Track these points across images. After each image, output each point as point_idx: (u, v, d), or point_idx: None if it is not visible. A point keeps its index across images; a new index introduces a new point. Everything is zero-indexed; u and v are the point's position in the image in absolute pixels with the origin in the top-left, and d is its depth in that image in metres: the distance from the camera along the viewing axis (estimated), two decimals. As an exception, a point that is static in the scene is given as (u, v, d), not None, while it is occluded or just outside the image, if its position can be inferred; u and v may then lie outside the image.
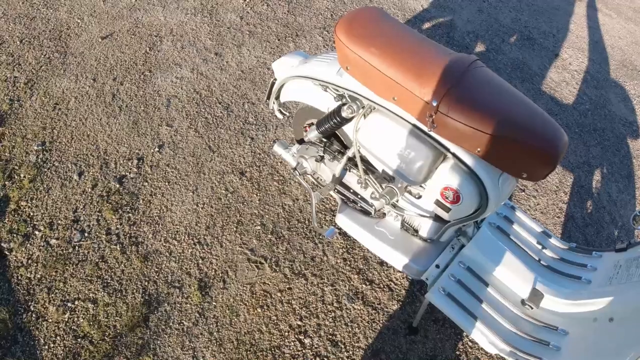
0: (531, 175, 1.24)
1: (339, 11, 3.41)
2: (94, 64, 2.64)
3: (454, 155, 1.30)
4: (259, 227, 2.03)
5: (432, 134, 1.30)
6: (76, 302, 1.73)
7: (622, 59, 3.92)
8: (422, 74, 1.24)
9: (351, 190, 1.74)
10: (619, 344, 1.28)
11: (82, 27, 2.86)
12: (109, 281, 1.79)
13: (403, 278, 1.96)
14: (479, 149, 1.22)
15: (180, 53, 2.79)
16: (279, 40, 3.03)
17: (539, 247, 1.72)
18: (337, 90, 1.51)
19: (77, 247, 1.87)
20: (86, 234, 1.92)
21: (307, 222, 2.07)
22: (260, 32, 3.06)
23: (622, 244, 1.60)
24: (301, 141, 1.92)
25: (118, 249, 1.89)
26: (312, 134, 1.67)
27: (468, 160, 1.29)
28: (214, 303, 1.78)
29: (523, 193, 2.43)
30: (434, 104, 1.20)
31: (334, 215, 2.12)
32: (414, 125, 1.34)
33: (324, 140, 1.77)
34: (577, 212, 2.44)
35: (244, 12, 3.20)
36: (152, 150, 2.26)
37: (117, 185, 2.09)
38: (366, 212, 1.73)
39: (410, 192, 1.60)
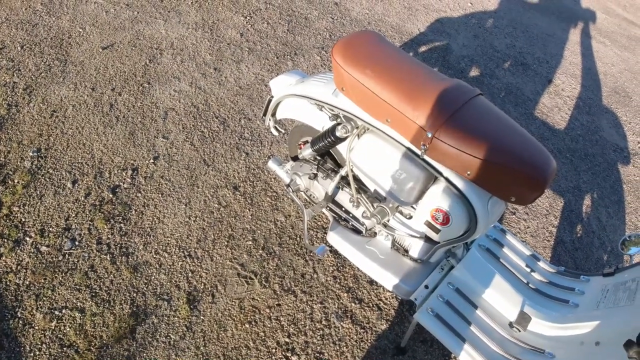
0: (520, 199, 1.27)
1: (337, 32, 3.47)
2: (93, 73, 2.66)
3: (444, 177, 1.33)
4: (250, 242, 2.03)
5: (424, 156, 1.33)
6: (64, 311, 1.71)
7: (615, 85, 4.00)
8: (416, 99, 1.27)
9: (343, 209, 1.76)
10: (605, 368, 1.29)
11: (83, 36, 2.89)
12: (97, 291, 1.78)
13: (392, 298, 1.96)
14: (469, 172, 1.24)
15: (180, 67, 2.82)
16: (277, 58, 3.07)
17: (528, 270, 1.74)
18: (333, 110, 1.54)
19: (67, 255, 1.87)
20: (77, 243, 1.91)
21: (298, 238, 2.08)
22: (260, 50, 3.10)
23: (610, 269, 1.62)
24: (295, 158, 1.94)
25: (108, 259, 1.88)
26: (307, 152, 1.69)
27: (458, 183, 1.31)
28: (202, 317, 1.77)
29: (514, 216, 2.46)
30: (429, 135, 1.23)
31: (326, 233, 2.12)
32: (407, 147, 1.36)
33: (318, 158, 1.80)
34: (567, 236, 2.47)
35: (244, 29, 3.25)
36: (147, 162, 2.26)
37: (110, 195, 2.09)
38: (357, 231, 1.74)
39: (401, 212, 1.61)
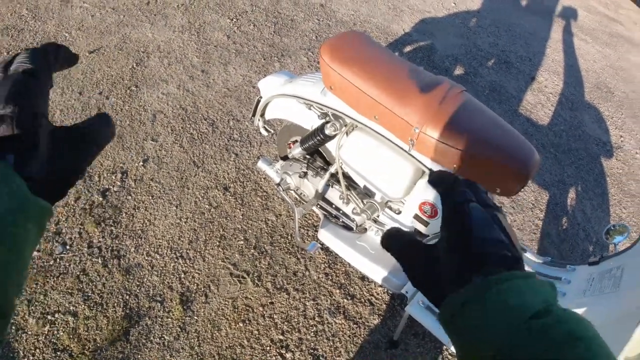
0: (505, 191, 1.30)
1: (323, 33, 3.50)
2: (80, 77, 2.65)
3: (431, 171, 1.35)
4: (242, 242, 2.05)
5: (412, 151, 1.36)
6: (56, 315, 1.71)
7: (597, 81, 4.09)
8: (403, 95, 1.30)
9: (333, 206, 1.78)
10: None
11: (69, 40, 2.88)
12: (89, 294, 1.78)
13: (384, 292, 1.99)
14: (455, 166, 1.28)
15: (167, 69, 2.83)
16: (264, 59, 3.09)
17: (515, 261, 1.78)
18: (321, 109, 1.56)
19: (58, 260, 1.86)
20: (68, 247, 1.91)
21: (289, 237, 2.10)
22: (247, 51, 3.12)
23: (595, 258, 1.65)
24: (285, 158, 1.96)
25: (99, 262, 1.88)
26: (296, 151, 1.71)
27: (445, 176, 1.34)
28: (195, 317, 1.78)
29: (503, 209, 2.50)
30: (416, 130, 1.26)
31: (317, 231, 2.15)
32: (394, 143, 1.39)
33: (308, 156, 1.82)
34: (553, 229, 2.52)
35: (231, 31, 3.26)
36: (136, 165, 2.27)
37: (101, 199, 2.09)
38: (348, 227, 1.77)
39: (390, 208, 1.64)
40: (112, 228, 2.01)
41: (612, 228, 1.64)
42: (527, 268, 1.71)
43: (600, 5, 5.99)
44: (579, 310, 1.50)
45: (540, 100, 3.52)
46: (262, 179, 2.32)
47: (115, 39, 2.98)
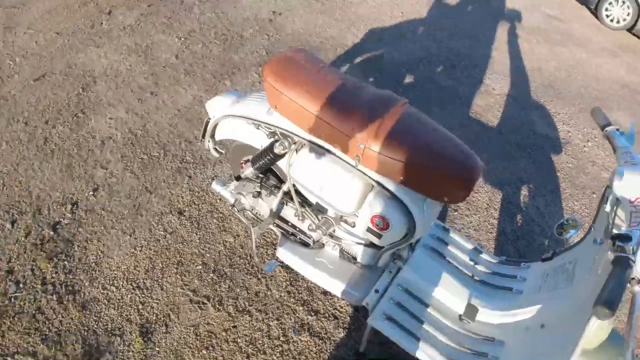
0: (451, 199, 1.33)
1: (273, 48, 3.51)
2: (26, 106, 2.56)
3: (380, 184, 1.37)
4: (200, 267, 2.01)
5: (359, 166, 1.37)
6: (16, 357, 1.64)
7: (544, 80, 4.26)
8: (346, 112, 1.31)
9: (289, 224, 1.77)
10: (551, 349, 1.35)
11: (14, 69, 2.78)
12: (47, 333, 1.71)
13: (347, 305, 1.99)
14: (401, 178, 1.30)
15: (115, 93, 2.76)
16: (214, 78, 3.07)
17: (472, 263, 1.81)
18: (269, 128, 1.56)
19: (12, 299, 1.79)
20: (21, 285, 1.83)
21: (249, 257, 2.08)
22: (197, 71, 3.08)
23: (548, 254, 1.70)
24: (239, 177, 1.94)
25: (55, 299, 1.82)
26: (248, 171, 1.70)
27: (393, 188, 1.36)
28: (157, 348, 1.73)
29: (456, 212, 2.56)
30: (361, 146, 1.28)
31: (276, 249, 2.13)
32: (342, 159, 1.40)
33: (261, 175, 1.81)
34: (508, 227, 2.60)
35: (179, 50, 3.22)
36: (86, 194, 2.20)
37: (51, 233, 2.02)
38: (305, 244, 1.76)
39: (346, 221, 1.65)
40: (65, 262, 1.94)
41: (566, 222, 1.67)
42: (483, 269, 1.75)
43: (545, 6, 6.26)
44: (536, 307, 1.54)
45: (490, 103, 3.63)
46: (218, 200, 2.29)
47: (61, 64, 2.90)
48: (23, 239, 1.98)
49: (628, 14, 6.19)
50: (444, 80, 3.75)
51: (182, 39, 3.34)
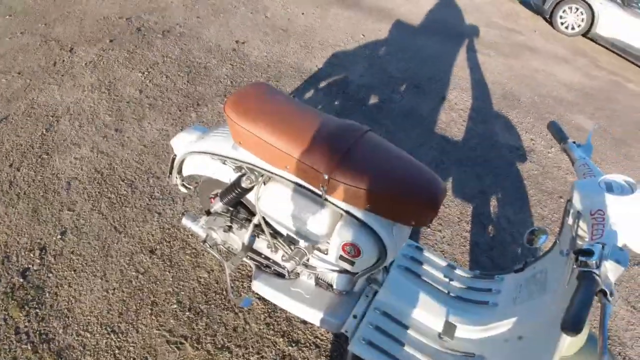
0: (418, 222, 1.36)
1: (237, 77, 3.53)
2: (-12, 151, 2.50)
3: (348, 213, 1.39)
4: (175, 306, 1.97)
5: (325, 196, 1.38)
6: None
7: (503, 92, 4.41)
8: (309, 144, 1.33)
9: (263, 256, 1.77)
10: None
11: (-27, 112, 2.71)
12: (21, 387, 1.64)
13: (328, 333, 1.98)
14: (368, 206, 1.32)
15: (79, 132, 2.72)
16: (180, 110, 3.06)
17: (447, 280, 1.83)
18: (235, 163, 1.56)
19: (-16, 353, 1.71)
20: (-6, 336, 1.76)
21: (224, 292, 2.05)
22: (161, 104, 3.07)
23: (520, 265, 1.73)
24: (209, 212, 1.93)
25: (29, 348, 1.75)
26: (217, 205, 1.69)
27: (361, 216, 1.38)
28: (134, 395, 1.68)
29: (429, 229, 2.60)
30: (325, 177, 1.29)
31: (251, 282, 2.12)
32: (309, 190, 1.41)
33: (230, 209, 1.80)
34: (480, 238, 2.65)
35: (143, 85, 3.21)
36: (54, 238, 2.14)
37: (21, 280, 1.96)
38: (280, 275, 1.75)
39: (319, 249, 1.65)
40: (37, 310, 1.88)
41: (537, 229, 1.69)
42: (458, 285, 1.77)
43: (500, 19, 6.51)
44: (512, 319, 1.56)
45: (453, 118, 3.73)
46: (189, 236, 2.26)
47: (23, 105, 2.84)
48: (-7, 288, 1.92)
49: (582, 20, 6.49)
50: (407, 99, 3.83)
51: (145, 72, 3.32)
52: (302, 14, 4.96)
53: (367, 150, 1.34)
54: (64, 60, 3.33)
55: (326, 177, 1.30)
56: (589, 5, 6.36)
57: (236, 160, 1.53)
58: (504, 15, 6.70)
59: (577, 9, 6.50)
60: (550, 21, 6.89)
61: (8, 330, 1.80)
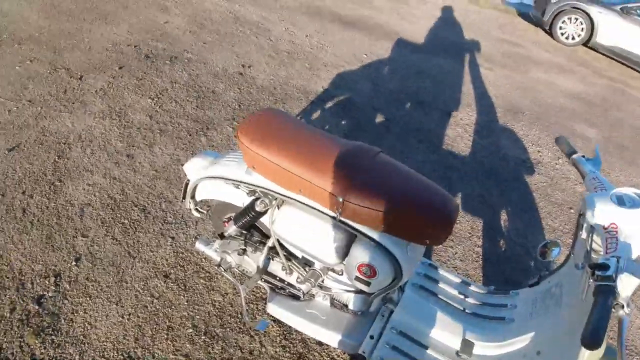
0: (433, 241, 1.37)
1: (245, 101, 3.59)
2: (1, 178, 2.53)
3: (363, 234, 1.40)
4: (190, 330, 1.97)
5: (340, 218, 1.40)
6: None
7: (507, 104, 4.44)
8: (322, 167, 1.36)
9: (277, 278, 1.78)
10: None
11: (-15, 140, 2.76)
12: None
13: (344, 354, 1.97)
14: (383, 227, 1.33)
15: (91, 159, 2.76)
16: (190, 135, 3.10)
17: (462, 296, 1.83)
18: (249, 187, 1.59)
19: (2, 379, 1.72)
20: (10, 364, 1.76)
21: (239, 315, 2.05)
22: (171, 130, 3.12)
23: (534, 279, 1.72)
24: (222, 235, 1.95)
25: (45, 377, 1.75)
26: (231, 229, 1.71)
27: (376, 237, 1.39)
28: (152, 422, 1.67)
29: (441, 246, 2.60)
30: (340, 199, 1.32)
31: (266, 304, 2.12)
32: (323, 212, 1.43)
33: (244, 232, 1.82)
34: (493, 253, 2.64)
35: (152, 111, 3.26)
36: (69, 265, 2.16)
37: (36, 307, 1.97)
38: (295, 297, 1.76)
39: (334, 270, 1.66)
40: (53, 337, 1.88)
41: (550, 242, 1.67)
42: (473, 301, 1.77)
43: (499, 32, 6.59)
44: (529, 335, 1.55)
45: (459, 133, 3.76)
46: (203, 260, 2.28)
47: (35, 132, 2.89)
48: (8, 314, 1.92)
49: (582, 29, 6.55)
50: (413, 116, 3.87)
51: (155, 98, 3.38)
52: (306, 36, 5.05)
53: (380, 172, 1.37)
54: (74, 88, 3.39)
55: (341, 199, 1.32)
56: (588, 15, 6.42)
57: (250, 184, 1.55)
58: (502, 29, 6.77)
59: (577, 19, 6.56)
60: (550, 32, 6.95)
61: (24, 357, 1.80)
